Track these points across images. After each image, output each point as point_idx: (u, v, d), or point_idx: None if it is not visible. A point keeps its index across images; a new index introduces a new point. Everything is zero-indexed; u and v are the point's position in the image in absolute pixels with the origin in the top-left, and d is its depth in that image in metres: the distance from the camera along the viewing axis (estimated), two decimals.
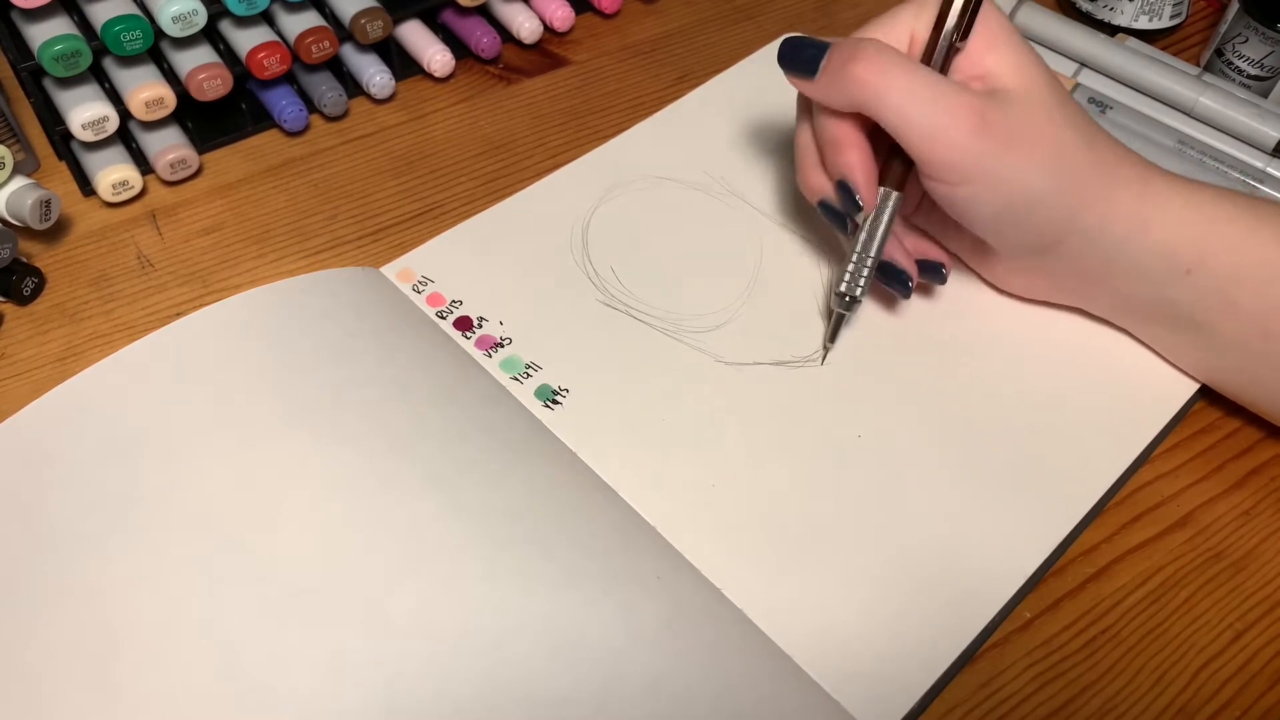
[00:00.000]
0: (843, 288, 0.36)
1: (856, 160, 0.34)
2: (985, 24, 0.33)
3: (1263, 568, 0.33)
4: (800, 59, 0.34)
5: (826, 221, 0.37)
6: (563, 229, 0.42)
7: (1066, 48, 0.49)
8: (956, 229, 0.38)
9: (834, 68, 0.33)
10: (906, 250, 0.37)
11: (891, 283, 0.37)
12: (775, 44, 0.50)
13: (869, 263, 0.36)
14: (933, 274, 0.38)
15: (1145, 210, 0.33)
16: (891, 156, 0.35)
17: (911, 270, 0.37)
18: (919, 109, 0.32)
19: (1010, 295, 0.39)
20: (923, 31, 0.34)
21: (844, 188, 0.35)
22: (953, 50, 0.34)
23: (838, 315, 0.37)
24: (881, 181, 0.35)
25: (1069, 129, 0.33)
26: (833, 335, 0.38)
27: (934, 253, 0.38)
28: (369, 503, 0.31)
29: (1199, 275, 0.33)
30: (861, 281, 0.36)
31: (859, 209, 0.34)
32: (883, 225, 0.35)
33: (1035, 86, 0.33)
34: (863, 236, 0.35)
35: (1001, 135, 0.32)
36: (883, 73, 0.32)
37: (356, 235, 0.42)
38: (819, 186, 0.36)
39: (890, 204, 0.35)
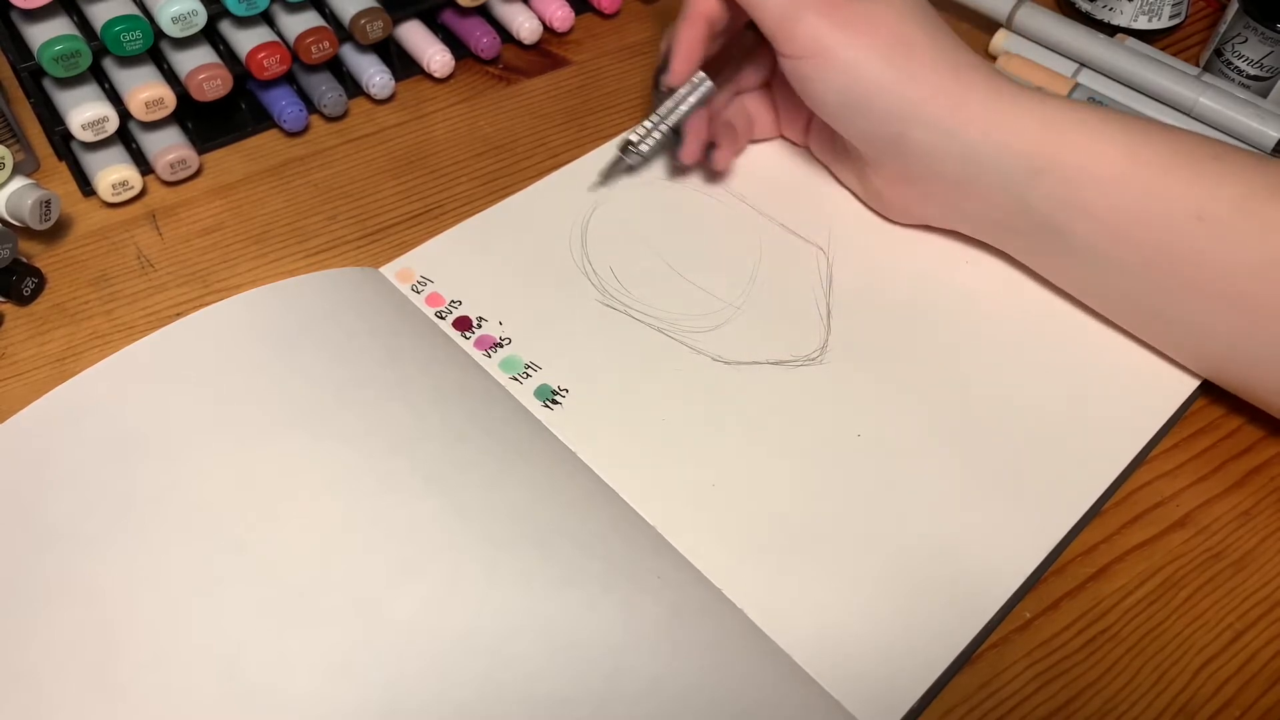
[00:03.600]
0: (631, 136, 0.41)
1: (686, 36, 0.39)
2: None
3: (1262, 568, 0.33)
4: None
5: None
6: (562, 229, 0.42)
7: (1066, 48, 0.49)
8: (841, 156, 0.42)
9: None
10: (710, 130, 0.41)
11: (677, 145, 0.41)
12: None
13: (660, 125, 0.40)
14: (709, 152, 0.42)
15: (995, 111, 0.35)
16: (727, 48, 0.41)
17: (695, 141, 0.41)
18: None
19: (912, 227, 0.42)
20: None
21: (666, 55, 0.40)
22: None
23: (616, 158, 0.42)
24: (707, 68, 0.40)
25: (917, 29, 0.36)
26: (605, 175, 0.43)
27: (722, 138, 0.42)
28: (369, 503, 0.31)
29: (1049, 176, 0.35)
30: (650, 140, 0.41)
31: (665, 73, 0.39)
32: (685, 96, 0.40)
33: None
34: (667, 103, 0.40)
35: (843, 16, 0.36)
36: None
37: (356, 235, 0.42)
38: (663, 55, 0.41)
39: (699, 86, 0.40)
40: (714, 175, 0.44)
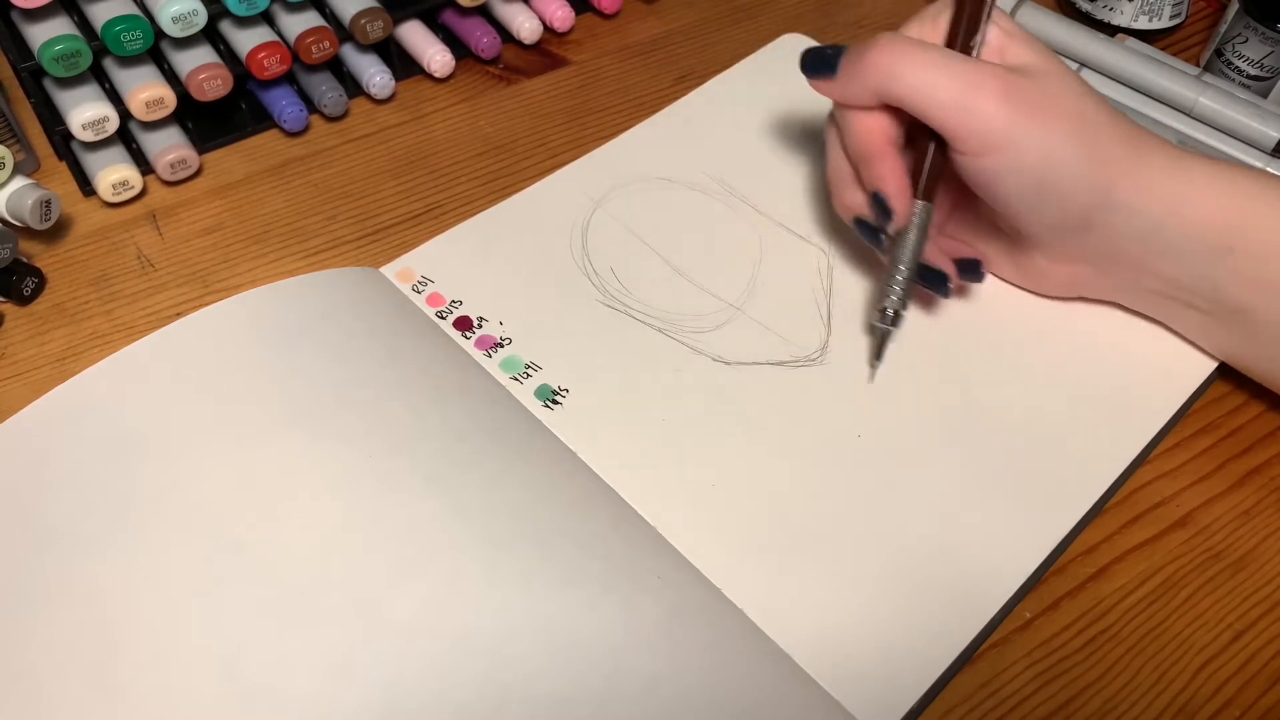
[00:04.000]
0: (884, 304, 0.36)
1: (888, 170, 0.34)
2: (998, 22, 0.35)
3: (1263, 568, 0.33)
4: (820, 61, 0.35)
5: (864, 240, 0.37)
6: (563, 229, 0.42)
7: (1066, 48, 0.49)
8: (988, 236, 0.38)
9: (852, 60, 0.34)
10: (942, 251, 0.37)
11: (931, 284, 0.37)
12: (775, 44, 0.50)
13: (906, 274, 0.35)
14: (971, 272, 0.37)
15: (1180, 188, 0.33)
16: (920, 167, 0.35)
17: (950, 270, 0.37)
18: (940, 80, 0.32)
19: (1047, 297, 0.39)
20: (933, 37, 0.35)
21: (878, 200, 0.35)
22: (969, 49, 0.34)
23: (881, 332, 0.37)
24: (914, 194, 0.35)
25: (1093, 105, 0.33)
26: (878, 353, 0.37)
27: (969, 251, 0.38)
28: (369, 503, 0.31)
29: (1239, 255, 0.33)
30: (900, 294, 0.35)
31: (890, 219, 0.35)
32: (914, 234, 0.35)
33: (1055, 67, 0.34)
34: (898, 249, 0.35)
35: (1027, 102, 0.32)
36: (900, 53, 0.33)
37: (356, 235, 0.42)
38: (853, 204, 0.36)
39: (921, 213, 0.35)
40: (964, 291, 0.40)
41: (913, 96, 0.33)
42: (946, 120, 0.32)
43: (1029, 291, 0.39)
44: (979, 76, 0.32)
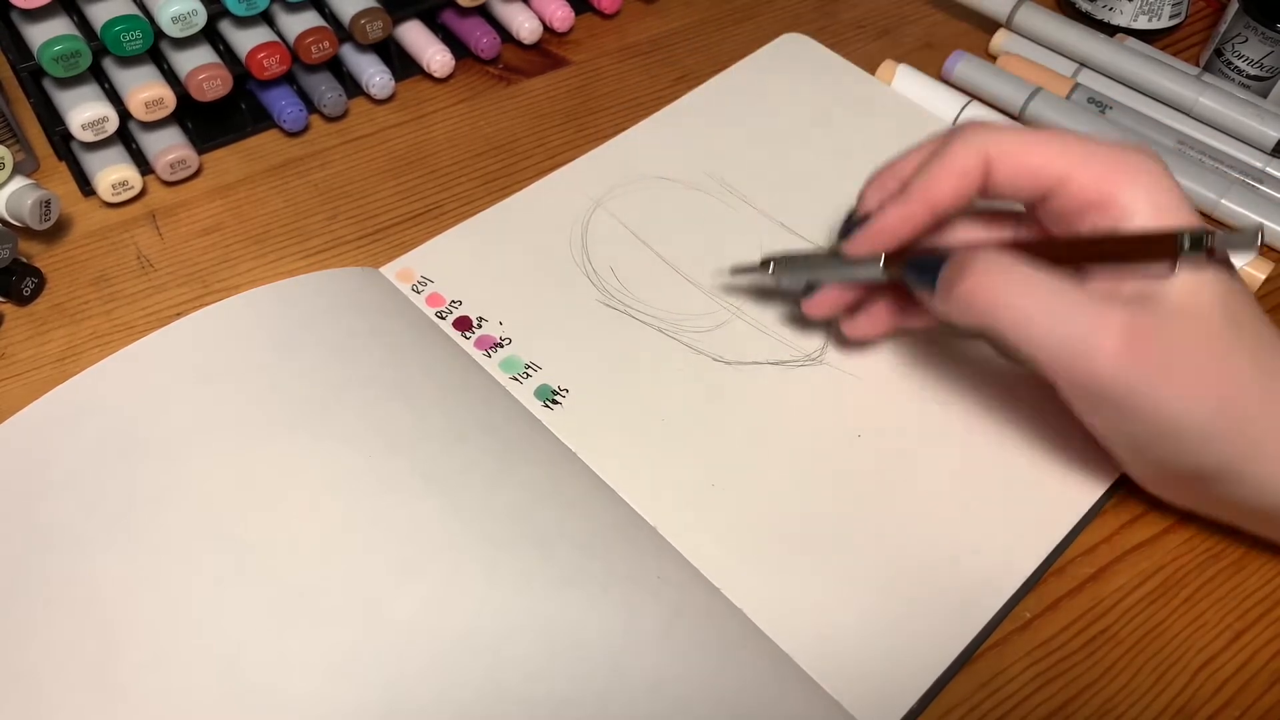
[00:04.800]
0: (780, 258, 0.35)
1: (895, 213, 0.31)
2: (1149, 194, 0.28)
3: (1262, 567, 0.33)
4: (922, 272, 0.31)
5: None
6: (562, 229, 0.42)
7: (1066, 48, 0.49)
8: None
9: (946, 284, 0.30)
10: (872, 312, 0.35)
11: (805, 296, 0.35)
12: (775, 44, 0.50)
13: (809, 275, 0.35)
14: (845, 339, 0.36)
15: None
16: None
17: (824, 306, 0.35)
18: (1044, 330, 0.27)
19: None
20: (1002, 147, 0.29)
21: (860, 211, 0.33)
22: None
23: (757, 265, 0.36)
24: (901, 256, 0.32)
25: (1241, 352, 0.28)
26: (736, 271, 0.39)
27: (875, 311, 0.35)
28: (369, 503, 0.31)
29: None
30: (790, 273, 0.35)
31: (847, 232, 0.33)
32: (847, 270, 0.34)
33: (1202, 288, 0.28)
34: (831, 260, 0.34)
35: (1154, 358, 0.27)
36: (993, 289, 0.28)
37: (356, 235, 0.42)
38: (867, 200, 0.34)
39: (871, 270, 0.33)
40: (842, 340, 0.37)
41: (1016, 345, 0.28)
42: (1055, 369, 0.28)
43: None
44: (1092, 322, 0.27)
